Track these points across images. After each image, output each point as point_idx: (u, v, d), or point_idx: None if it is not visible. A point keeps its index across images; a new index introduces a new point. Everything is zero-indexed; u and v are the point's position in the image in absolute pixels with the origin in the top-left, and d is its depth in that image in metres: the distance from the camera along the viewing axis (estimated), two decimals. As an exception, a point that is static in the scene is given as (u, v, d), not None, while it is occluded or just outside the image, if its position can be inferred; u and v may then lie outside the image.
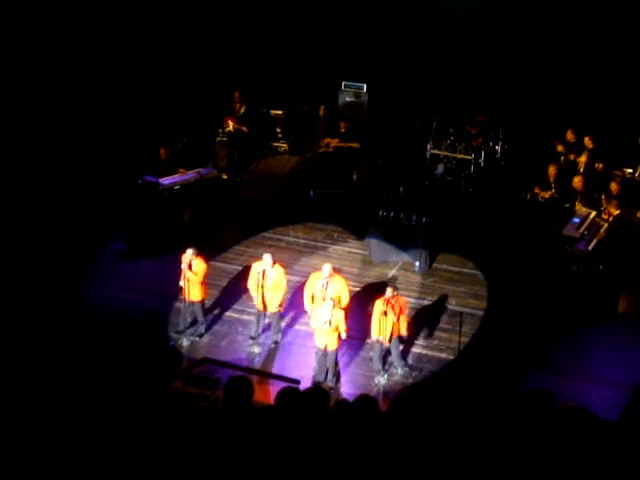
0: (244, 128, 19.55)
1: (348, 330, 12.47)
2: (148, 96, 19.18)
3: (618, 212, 14.70)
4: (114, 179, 17.35)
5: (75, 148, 17.84)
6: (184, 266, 13.11)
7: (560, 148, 17.36)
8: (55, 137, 17.85)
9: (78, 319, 13.53)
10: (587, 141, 16.99)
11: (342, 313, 12.27)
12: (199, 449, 6.44)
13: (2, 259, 14.56)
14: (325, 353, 12.39)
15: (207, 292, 13.67)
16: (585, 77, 17.97)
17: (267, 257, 13.14)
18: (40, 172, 16.98)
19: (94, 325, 13.37)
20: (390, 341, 12.58)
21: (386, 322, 12.37)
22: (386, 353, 12.82)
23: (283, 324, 13.71)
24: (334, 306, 12.19)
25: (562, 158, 17.27)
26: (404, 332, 12.63)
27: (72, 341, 12.82)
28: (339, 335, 12.34)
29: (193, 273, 13.10)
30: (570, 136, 17.40)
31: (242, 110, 19.67)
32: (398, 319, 12.44)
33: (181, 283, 13.29)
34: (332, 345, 12.34)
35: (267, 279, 13.02)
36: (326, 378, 12.46)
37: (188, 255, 13.11)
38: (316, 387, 11.46)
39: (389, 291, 12.44)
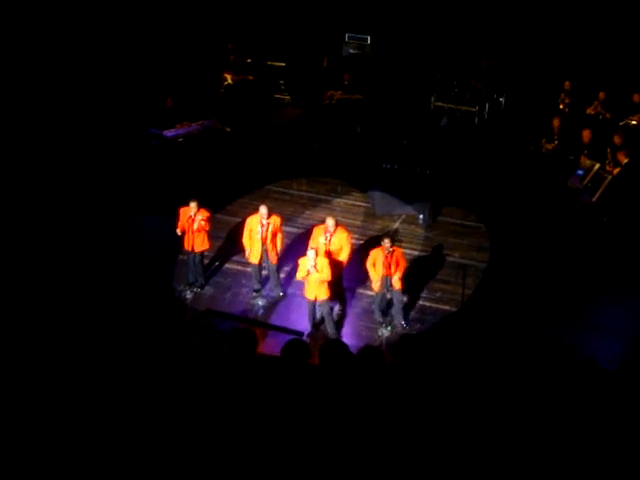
0: (250, 77, 19.47)
1: (334, 277, 12.34)
2: (150, 50, 19.12)
3: (627, 160, 14.63)
4: (118, 132, 17.33)
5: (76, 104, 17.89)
6: (188, 219, 13.12)
7: (568, 100, 17.29)
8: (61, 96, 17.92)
9: (86, 271, 13.59)
10: (601, 95, 16.93)
11: (326, 260, 12.16)
12: (204, 398, 6.51)
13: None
14: (315, 304, 12.39)
15: (210, 243, 13.67)
16: (587, 26, 17.84)
17: (263, 209, 13.05)
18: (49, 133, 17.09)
19: (100, 277, 13.43)
20: (387, 290, 12.52)
21: (379, 272, 12.32)
22: (388, 305, 12.84)
23: (283, 276, 13.76)
24: (317, 254, 12.13)
25: (566, 110, 17.23)
26: (397, 286, 12.44)
27: (79, 290, 12.89)
28: (329, 285, 12.27)
29: (198, 224, 13.11)
30: (568, 86, 17.37)
31: (238, 61, 19.62)
32: (395, 271, 12.34)
33: (178, 232, 13.27)
34: (321, 295, 12.28)
35: (267, 232, 13.01)
36: (318, 329, 12.48)
37: (192, 207, 13.11)
38: (335, 339, 11.56)
39: (386, 242, 12.30)
